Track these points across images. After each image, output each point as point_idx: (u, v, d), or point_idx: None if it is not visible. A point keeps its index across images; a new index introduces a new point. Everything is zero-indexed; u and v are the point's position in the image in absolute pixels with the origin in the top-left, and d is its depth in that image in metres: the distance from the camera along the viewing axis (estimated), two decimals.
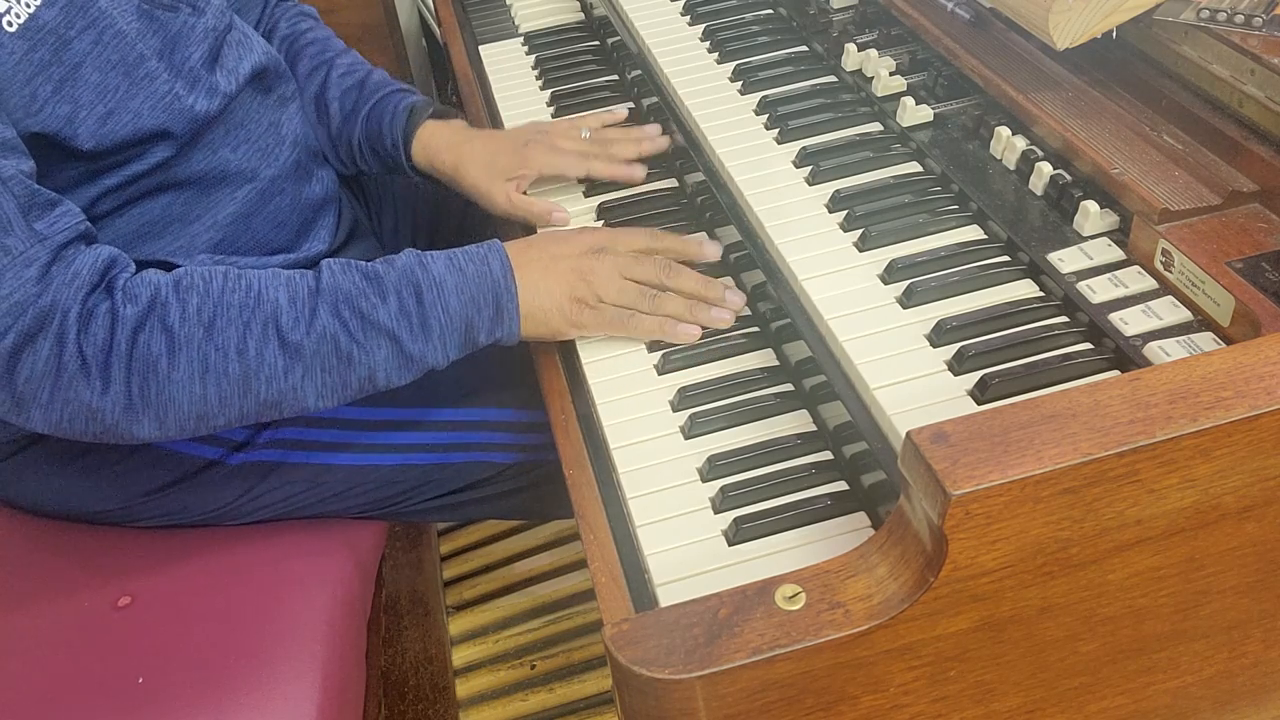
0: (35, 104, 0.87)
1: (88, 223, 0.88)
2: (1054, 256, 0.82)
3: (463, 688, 1.52)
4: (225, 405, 0.88)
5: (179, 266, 0.94)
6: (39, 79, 0.87)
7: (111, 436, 0.88)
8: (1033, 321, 0.80)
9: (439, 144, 1.16)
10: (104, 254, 0.87)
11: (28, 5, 0.86)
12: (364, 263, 0.91)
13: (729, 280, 0.99)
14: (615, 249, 0.96)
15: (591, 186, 1.13)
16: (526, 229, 1.12)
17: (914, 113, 0.99)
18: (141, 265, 0.91)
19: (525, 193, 1.12)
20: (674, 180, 1.14)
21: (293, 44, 1.24)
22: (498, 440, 1.12)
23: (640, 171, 1.12)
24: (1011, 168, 0.91)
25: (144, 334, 0.85)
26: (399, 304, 0.89)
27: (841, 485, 0.80)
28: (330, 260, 0.92)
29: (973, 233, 0.89)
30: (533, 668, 1.53)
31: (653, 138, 1.15)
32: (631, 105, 1.24)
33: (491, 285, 0.91)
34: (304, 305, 0.88)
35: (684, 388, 0.88)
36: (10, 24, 0.85)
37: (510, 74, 1.36)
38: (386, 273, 0.90)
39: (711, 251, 1.00)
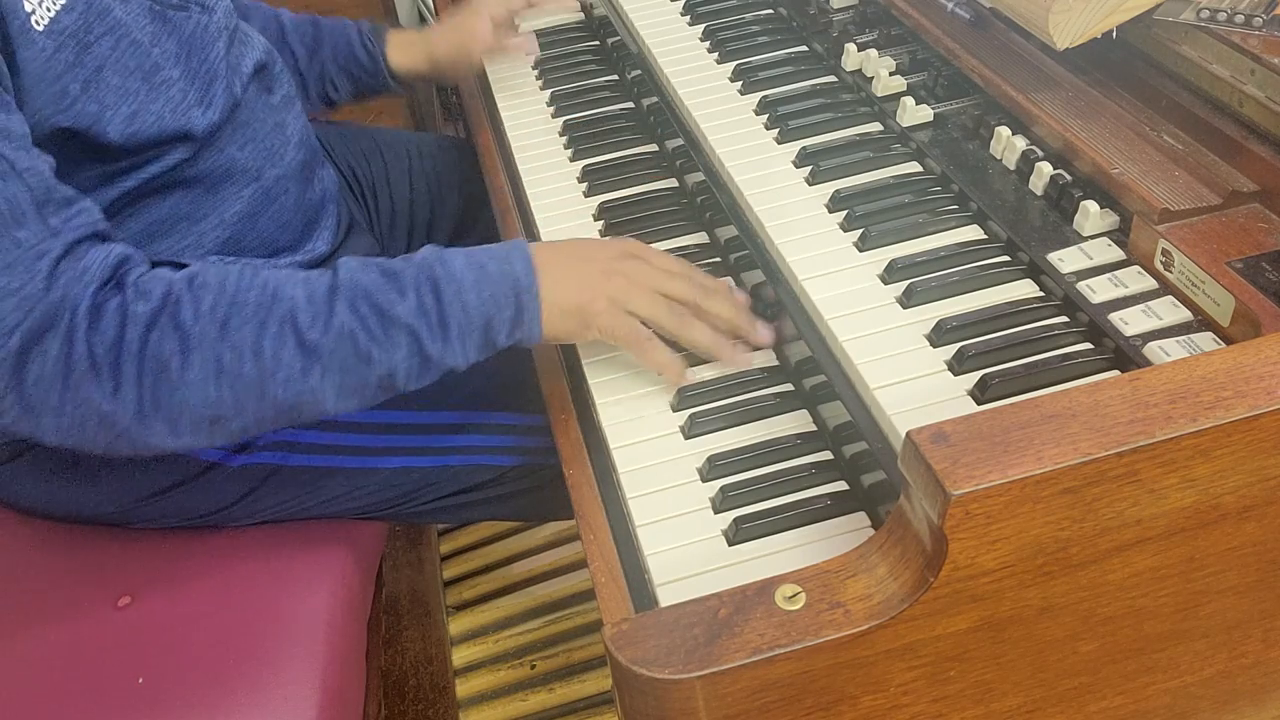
0: (66, 99, 0.88)
1: (105, 222, 0.86)
2: (1054, 256, 0.82)
3: (463, 688, 1.52)
4: (241, 409, 0.84)
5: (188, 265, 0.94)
6: (67, 77, 0.88)
7: (124, 443, 0.85)
8: (1033, 321, 0.80)
9: (409, 39, 1.31)
10: (116, 250, 0.84)
11: (49, 9, 0.86)
12: (383, 259, 0.89)
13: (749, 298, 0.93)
14: (650, 260, 0.91)
15: (592, 186, 1.13)
16: (526, 222, 1.12)
17: (914, 113, 0.99)
18: (152, 264, 0.91)
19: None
20: (674, 180, 1.14)
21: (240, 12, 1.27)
22: (499, 443, 1.11)
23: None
24: (1011, 168, 0.91)
25: (155, 332, 0.81)
26: (418, 300, 0.85)
27: (841, 485, 0.79)
28: (348, 258, 0.89)
29: (973, 233, 0.89)
30: (533, 668, 1.53)
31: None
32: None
33: (513, 284, 0.87)
34: (322, 302, 0.85)
35: (684, 387, 0.88)
36: (39, 22, 0.85)
37: (510, 73, 1.36)
38: (404, 269, 0.87)
39: (740, 300, 0.93)
